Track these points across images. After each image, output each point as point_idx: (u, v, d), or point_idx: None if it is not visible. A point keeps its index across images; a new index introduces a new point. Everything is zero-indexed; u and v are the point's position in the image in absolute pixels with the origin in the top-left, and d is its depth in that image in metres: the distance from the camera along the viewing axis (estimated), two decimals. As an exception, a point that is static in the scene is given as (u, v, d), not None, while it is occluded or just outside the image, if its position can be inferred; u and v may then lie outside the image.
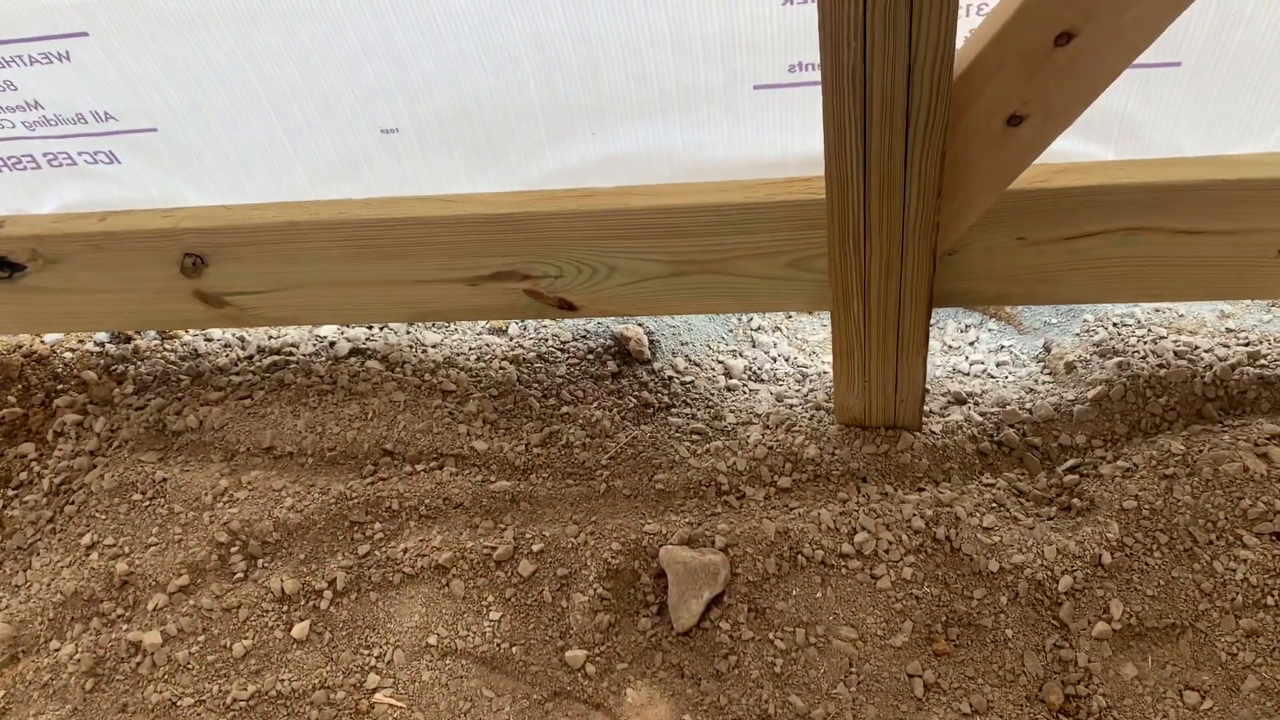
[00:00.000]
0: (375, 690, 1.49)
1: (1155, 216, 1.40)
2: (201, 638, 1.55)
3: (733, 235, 1.52)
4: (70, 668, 1.55)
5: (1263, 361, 1.58)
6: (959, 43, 1.27)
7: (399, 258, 1.64)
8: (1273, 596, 1.38)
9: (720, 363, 1.84)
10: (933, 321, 1.90)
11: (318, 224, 1.60)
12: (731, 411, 1.74)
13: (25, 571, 1.68)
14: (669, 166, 1.50)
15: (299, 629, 1.54)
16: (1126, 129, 1.36)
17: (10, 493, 1.81)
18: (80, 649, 1.57)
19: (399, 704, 1.48)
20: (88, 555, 1.65)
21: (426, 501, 1.61)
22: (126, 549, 1.64)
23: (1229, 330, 1.66)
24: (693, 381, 1.79)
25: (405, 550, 1.57)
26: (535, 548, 1.55)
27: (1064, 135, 1.37)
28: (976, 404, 1.67)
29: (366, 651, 1.51)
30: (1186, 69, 1.27)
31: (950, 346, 1.82)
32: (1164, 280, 1.49)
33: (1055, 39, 1.12)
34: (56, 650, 1.58)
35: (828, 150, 1.19)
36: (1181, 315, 1.69)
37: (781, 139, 1.44)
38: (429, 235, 1.59)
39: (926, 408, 1.69)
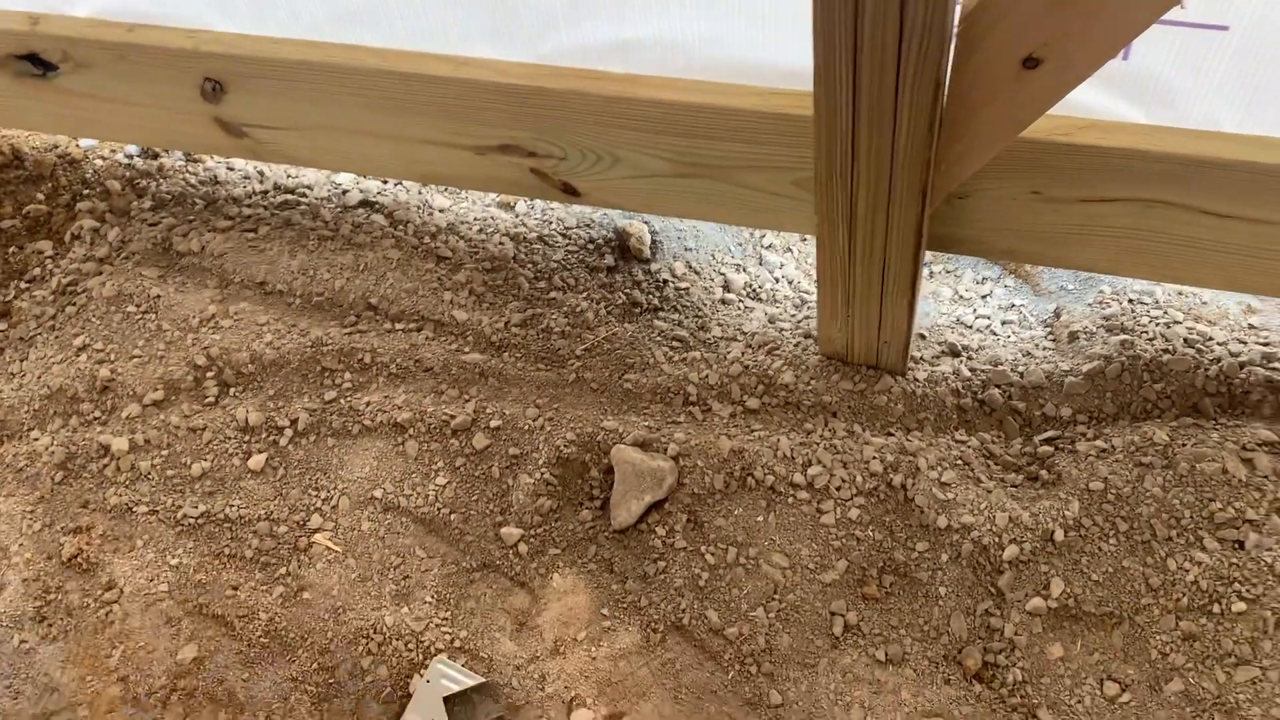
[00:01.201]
0: (316, 531, 1.53)
1: (1181, 192, 1.31)
2: (165, 452, 1.60)
3: (739, 143, 1.46)
4: (45, 458, 1.62)
5: (1276, 364, 1.49)
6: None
7: (409, 114, 1.62)
8: (1219, 605, 1.33)
9: (721, 274, 1.80)
10: (951, 269, 1.83)
11: (333, 66, 1.59)
12: (719, 325, 1.71)
13: (22, 362, 1.75)
14: (684, 60, 1.45)
15: (255, 460, 1.58)
16: (1162, 93, 1.26)
17: (23, 284, 1.87)
18: (56, 443, 1.63)
19: (335, 548, 1.52)
20: (77, 356, 1.71)
21: (399, 360, 1.62)
22: (112, 356, 1.69)
23: (1251, 326, 1.56)
24: (688, 289, 1.76)
25: (369, 403, 1.59)
26: (493, 423, 1.56)
27: (1094, 89, 1.30)
28: (970, 358, 1.62)
29: (315, 493, 1.55)
30: (1234, 35, 1.17)
31: (961, 296, 1.75)
32: (1183, 261, 1.41)
33: (1081, -24, 1.04)
34: (35, 439, 1.65)
35: (816, 66, 1.13)
36: (1204, 303, 1.60)
37: (800, 48, 1.37)
38: (438, 95, 1.57)
39: (918, 354, 1.64)
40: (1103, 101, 1.30)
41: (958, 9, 1.12)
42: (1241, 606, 1.32)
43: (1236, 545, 1.36)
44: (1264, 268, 1.37)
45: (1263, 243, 1.34)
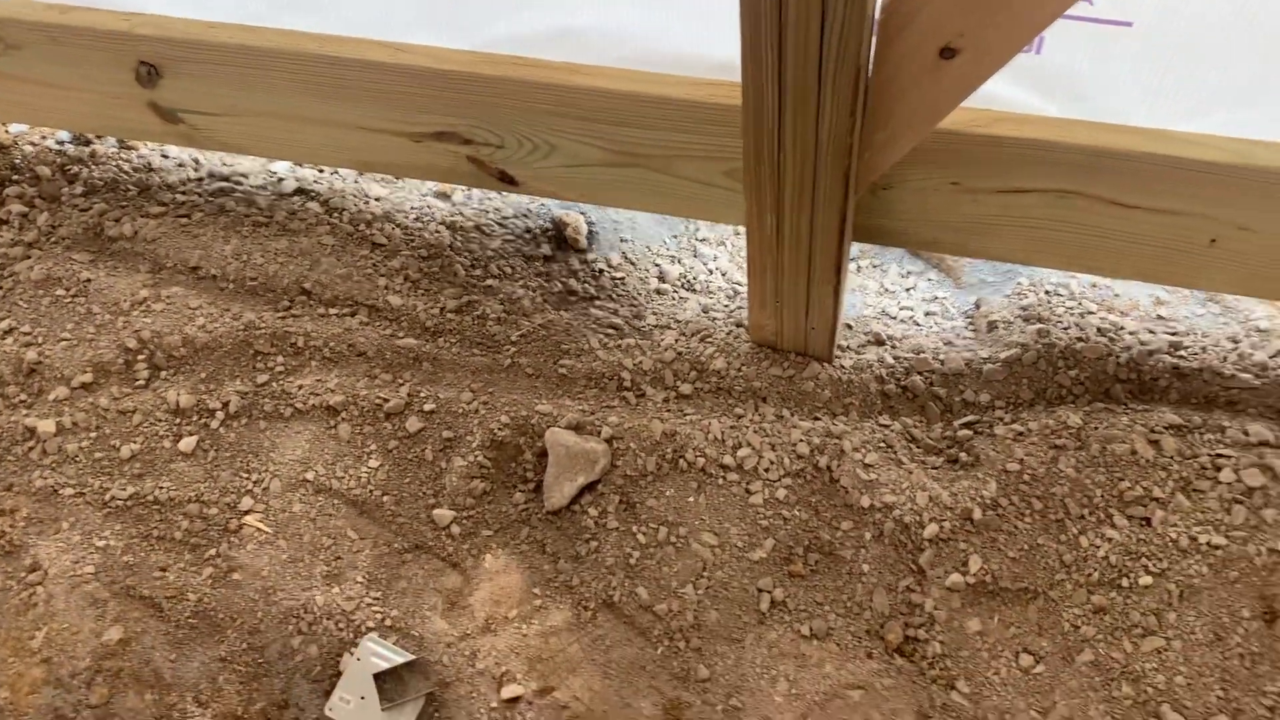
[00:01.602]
0: (247, 513, 1.53)
1: (1089, 182, 1.38)
2: (93, 434, 1.58)
3: (671, 132, 1.50)
4: (-33, 441, 1.60)
5: (1182, 353, 1.56)
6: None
7: (347, 100, 1.63)
8: (1128, 579, 1.39)
9: (656, 265, 1.83)
10: (877, 264, 1.88)
11: (270, 51, 1.60)
12: (653, 313, 1.74)
13: (-55, 345, 1.72)
14: (621, 51, 1.48)
15: (186, 443, 1.57)
16: (1075, 87, 1.32)
17: (-53, 269, 1.84)
18: (-21, 426, 1.61)
19: (266, 529, 1.51)
20: (3, 339, 1.68)
21: (332, 344, 1.63)
22: (40, 339, 1.67)
23: (1160, 318, 1.63)
24: (623, 279, 1.79)
25: (301, 386, 1.59)
26: (427, 407, 1.57)
27: (1009, 83, 1.36)
28: (894, 347, 1.67)
29: (246, 475, 1.55)
30: (1138, 30, 1.23)
31: (887, 289, 1.80)
32: (1094, 251, 1.47)
33: (993, -31, 1.09)
34: (-42, 423, 1.63)
35: (744, 49, 1.17)
36: (1117, 295, 1.67)
37: (732, 41, 1.41)
38: (375, 81, 1.58)
39: (846, 343, 1.68)
40: (1018, 95, 1.36)
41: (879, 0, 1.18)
42: (1148, 580, 1.38)
43: (1144, 522, 1.42)
44: (1169, 258, 1.44)
45: (1167, 233, 1.41)
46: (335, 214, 1.81)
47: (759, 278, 1.51)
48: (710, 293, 1.81)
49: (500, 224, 1.83)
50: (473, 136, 1.62)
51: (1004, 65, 1.20)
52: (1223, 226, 1.37)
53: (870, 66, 1.22)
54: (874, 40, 1.19)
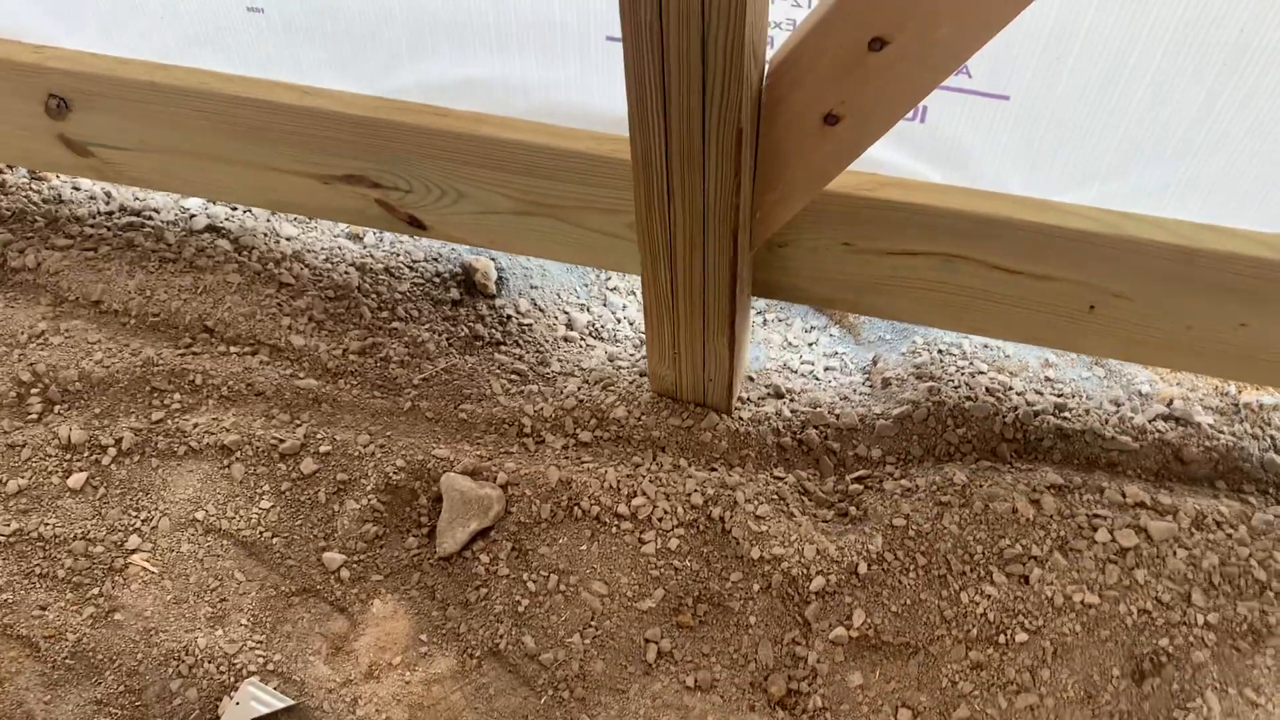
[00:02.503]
0: (134, 552, 1.51)
1: (973, 247, 1.42)
2: (-21, 468, 1.56)
3: (576, 184, 1.53)
4: None
5: (1066, 414, 1.61)
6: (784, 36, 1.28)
7: (256, 141, 1.64)
8: (1005, 635, 1.41)
9: (565, 313, 1.85)
10: (783, 318, 1.92)
11: (178, 89, 1.60)
12: (559, 360, 1.76)
13: None
14: (525, 103, 1.51)
15: (75, 479, 1.55)
16: (955, 155, 1.37)
17: None
18: None
19: (152, 569, 1.49)
20: (-107, 368, 1.65)
21: (230, 383, 1.62)
22: (-69, 370, 1.64)
23: (1048, 379, 1.68)
24: (531, 325, 1.81)
25: (196, 425, 1.58)
26: (323, 449, 1.57)
27: (896, 150, 1.41)
28: (793, 400, 1.70)
29: (135, 513, 1.53)
30: (1014, 104, 1.29)
31: (790, 343, 1.84)
32: (981, 314, 1.52)
33: (869, 43, 1.14)
34: None
35: (631, 112, 1.20)
36: (1008, 356, 1.72)
37: (632, 97, 1.45)
38: (284, 123, 1.59)
39: (746, 395, 1.71)
40: (905, 161, 1.41)
41: (767, 66, 1.22)
42: (1024, 637, 1.41)
43: (1022, 580, 1.45)
44: (1052, 322, 1.49)
45: (1048, 298, 1.46)
46: (244, 252, 1.81)
47: (656, 330, 1.53)
48: (617, 341, 1.83)
49: (410, 267, 1.84)
50: (381, 180, 1.64)
51: (886, 132, 1.24)
52: (1100, 294, 1.42)
53: (758, 130, 1.26)
54: (760, 105, 1.24)
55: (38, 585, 1.48)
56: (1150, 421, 1.59)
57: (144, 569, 1.49)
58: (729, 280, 1.39)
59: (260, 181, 1.71)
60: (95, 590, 1.47)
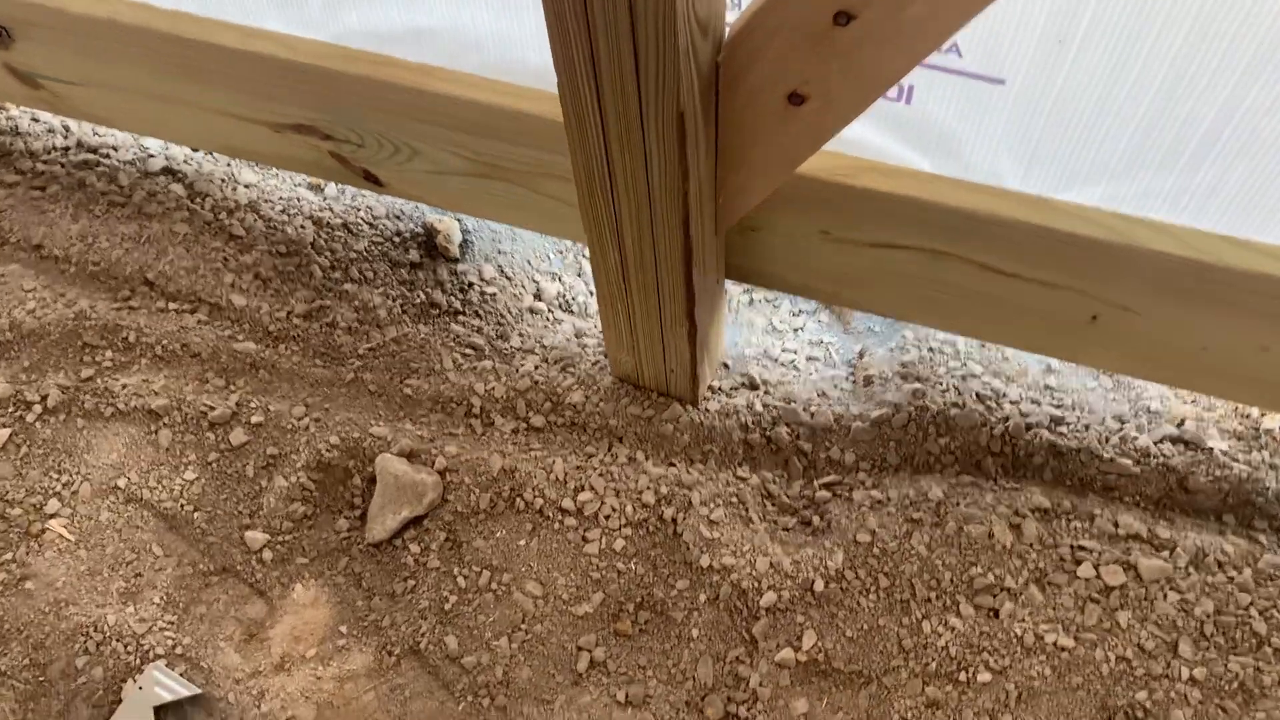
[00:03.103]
0: (52, 517, 1.44)
1: (963, 245, 1.27)
2: (-99, 418, 1.49)
3: (533, 149, 1.40)
4: None
5: (1063, 429, 1.46)
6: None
7: (202, 83, 1.53)
8: (966, 673, 1.29)
9: (534, 281, 1.73)
10: (770, 299, 1.77)
11: (118, 25, 1.49)
12: (520, 335, 1.64)
13: None
14: (479, 58, 1.37)
15: (-3, 435, 1.48)
16: (946, 142, 1.21)
17: None
18: None
19: (69, 536, 1.42)
20: None
21: (165, 343, 1.53)
22: None
23: (1047, 387, 1.53)
24: (495, 294, 1.69)
25: (125, 386, 1.49)
26: (254, 419, 1.47)
27: (880, 132, 1.25)
28: (767, 393, 1.56)
29: (56, 476, 1.45)
30: (1011, 89, 1.12)
31: (775, 328, 1.70)
32: (972, 316, 1.37)
33: (834, 16, 0.98)
34: None
35: (562, 93, 1.06)
36: (1006, 358, 1.56)
37: (593, 57, 1.30)
38: (227, 66, 1.47)
39: (718, 384, 1.58)
40: (891, 145, 1.25)
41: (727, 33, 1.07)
42: (987, 677, 1.29)
43: (991, 614, 1.32)
44: (1049, 330, 1.34)
45: (1046, 305, 1.30)
46: (198, 199, 1.71)
47: (610, 311, 1.40)
48: (588, 315, 1.71)
49: (370, 224, 1.72)
50: (332, 133, 1.52)
51: (858, 115, 1.09)
52: (1104, 305, 1.27)
53: (713, 110, 1.11)
54: (718, 81, 1.09)
55: (-48, 546, 1.42)
56: (1156, 443, 1.44)
57: (61, 535, 1.42)
58: (683, 271, 1.25)
59: (213, 125, 1.59)
60: (9, 555, 1.40)
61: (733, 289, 1.72)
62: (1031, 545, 1.35)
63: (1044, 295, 1.29)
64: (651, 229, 1.20)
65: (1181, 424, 1.46)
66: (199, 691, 1.31)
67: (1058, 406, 1.50)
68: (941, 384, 1.51)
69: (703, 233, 1.23)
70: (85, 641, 1.34)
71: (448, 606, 1.37)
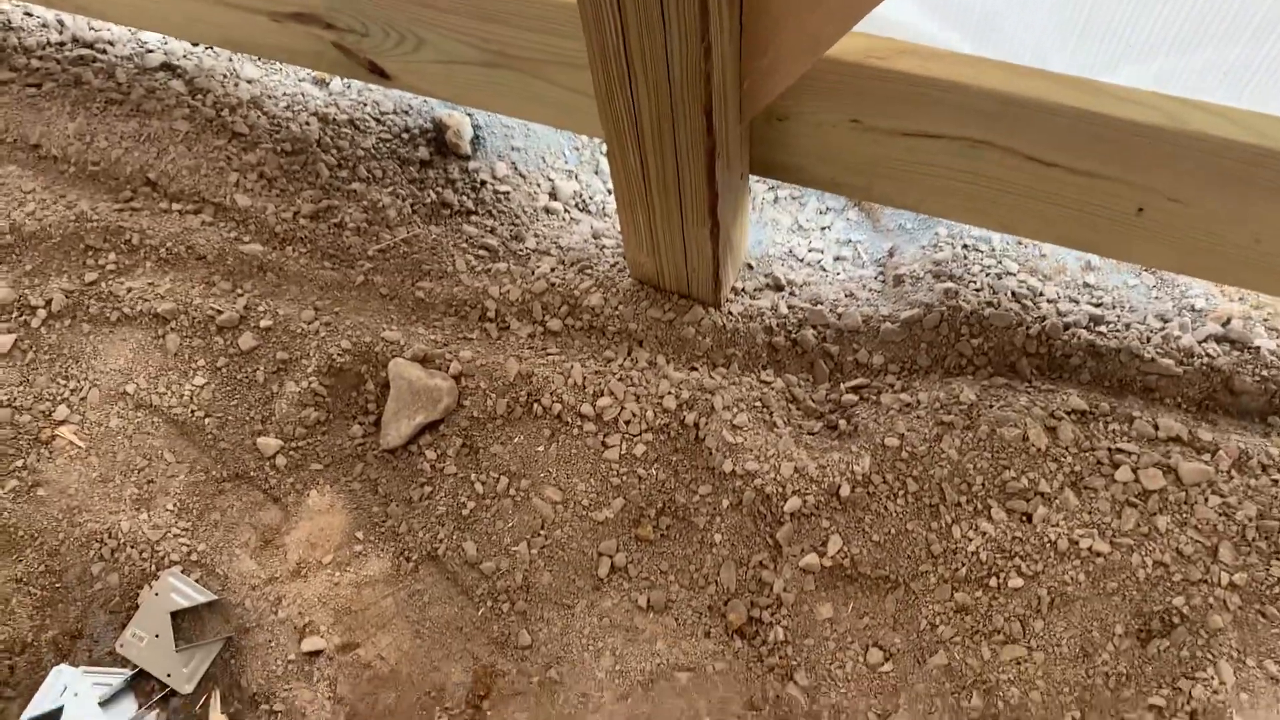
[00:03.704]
0: (61, 423, 1.41)
1: (1004, 133, 1.19)
2: (-95, 324, 1.46)
3: (544, 34, 1.32)
4: None
5: (1102, 328, 1.40)
6: None
7: (197, -31, 1.45)
8: (997, 579, 1.26)
9: (549, 179, 1.66)
10: (796, 196, 1.70)
11: (106, -95, 1.41)
12: (535, 235, 1.58)
13: None
14: (488, -66, 1.29)
15: (3, 340, 1.44)
16: (987, 19, 1.13)
17: None
18: None
19: (79, 443, 1.40)
20: None
21: (169, 245, 1.48)
22: None
23: (1086, 285, 1.46)
24: (508, 193, 1.62)
25: (130, 290, 1.45)
26: (263, 323, 1.43)
27: (918, 11, 1.17)
28: (793, 294, 1.51)
29: (64, 382, 1.42)
30: (1061, -42, 1.04)
31: (801, 226, 1.63)
32: (1009, 210, 1.30)
33: (872, -128, 0.90)
34: None
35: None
36: (1043, 255, 1.49)
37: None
38: (222, -51, 1.40)
39: (742, 285, 1.52)
40: (928, 25, 1.17)
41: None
42: (1019, 582, 1.25)
43: (1024, 518, 1.28)
44: (1091, 224, 1.27)
45: (1089, 197, 1.23)
46: (198, 95, 1.64)
47: (630, 214, 1.34)
48: (606, 215, 1.64)
49: (377, 120, 1.65)
50: (335, 21, 1.44)
51: (894, -9, 1.01)
52: (1151, 195, 1.19)
53: (738, -19, 1.03)
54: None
55: (-37, 453, 1.39)
56: (1200, 343, 1.37)
57: (71, 442, 1.40)
58: (705, 163, 1.18)
59: (211, 15, 1.52)
60: (19, 462, 1.38)
61: (756, 186, 1.65)
62: (1067, 448, 1.30)
63: (1087, 186, 1.22)
64: (672, 117, 1.13)
65: (1227, 322, 1.39)
66: (215, 598, 1.29)
67: (1097, 305, 1.43)
68: (975, 283, 1.45)
69: (726, 121, 1.16)
70: (100, 548, 1.33)
71: (465, 512, 1.34)
